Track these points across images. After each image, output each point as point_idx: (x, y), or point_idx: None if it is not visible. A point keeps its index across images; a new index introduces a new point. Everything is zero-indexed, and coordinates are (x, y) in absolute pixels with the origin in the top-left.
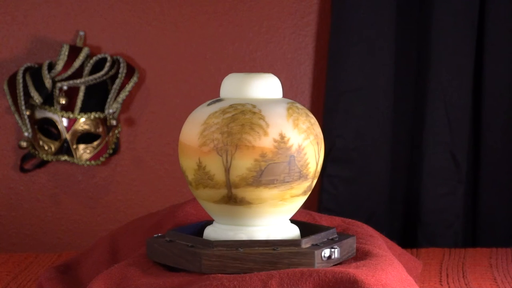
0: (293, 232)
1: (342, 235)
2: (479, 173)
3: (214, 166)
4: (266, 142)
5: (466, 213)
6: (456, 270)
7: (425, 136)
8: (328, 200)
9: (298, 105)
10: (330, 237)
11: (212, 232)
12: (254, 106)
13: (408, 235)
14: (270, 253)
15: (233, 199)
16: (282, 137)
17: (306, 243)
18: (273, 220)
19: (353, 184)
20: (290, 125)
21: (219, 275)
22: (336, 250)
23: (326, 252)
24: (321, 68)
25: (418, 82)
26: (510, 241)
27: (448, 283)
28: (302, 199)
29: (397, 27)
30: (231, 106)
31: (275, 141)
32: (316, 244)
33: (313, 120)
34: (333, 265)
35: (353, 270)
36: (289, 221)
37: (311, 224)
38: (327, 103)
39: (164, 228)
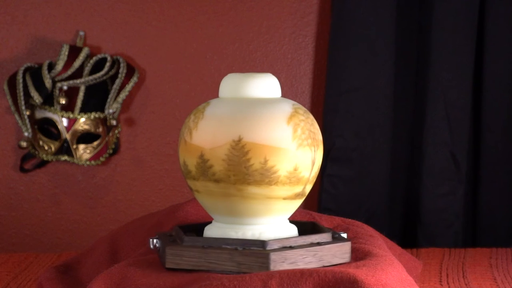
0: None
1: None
2: (479, 173)
3: None
4: None
5: (466, 213)
6: (456, 270)
7: (425, 136)
8: (328, 200)
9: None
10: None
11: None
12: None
13: (408, 235)
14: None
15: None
16: None
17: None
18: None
19: (353, 184)
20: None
21: (219, 274)
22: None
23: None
24: (321, 68)
25: (418, 82)
26: (510, 241)
27: (448, 283)
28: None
29: (397, 27)
30: None
31: None
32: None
33: (196, 124)
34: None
35: (353, 270)
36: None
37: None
38: (327, 103)
39: (164, 228)
